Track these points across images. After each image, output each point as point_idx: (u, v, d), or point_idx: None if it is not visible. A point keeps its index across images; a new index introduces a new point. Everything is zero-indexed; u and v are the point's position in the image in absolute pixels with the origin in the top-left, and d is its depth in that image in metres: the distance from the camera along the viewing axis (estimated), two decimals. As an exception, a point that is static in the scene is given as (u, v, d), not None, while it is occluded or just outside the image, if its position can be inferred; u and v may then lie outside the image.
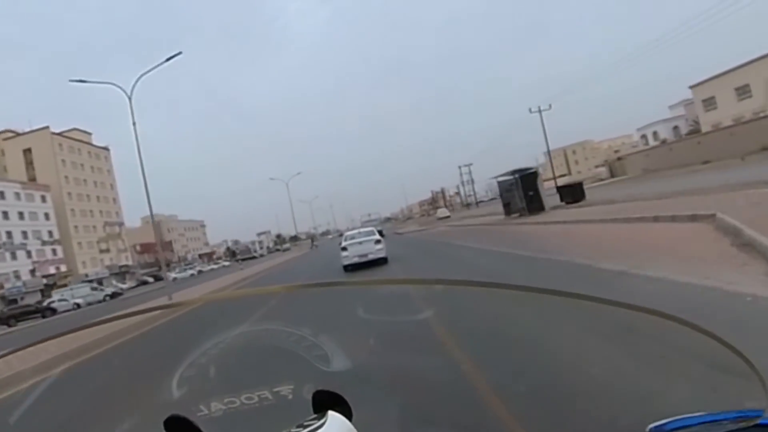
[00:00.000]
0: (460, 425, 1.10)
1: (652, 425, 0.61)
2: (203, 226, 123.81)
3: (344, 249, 14.67)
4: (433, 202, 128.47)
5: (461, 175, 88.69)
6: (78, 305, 36.78)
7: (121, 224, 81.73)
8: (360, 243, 14.60)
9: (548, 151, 46.49)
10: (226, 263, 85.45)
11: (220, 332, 0.89)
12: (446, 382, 1.33)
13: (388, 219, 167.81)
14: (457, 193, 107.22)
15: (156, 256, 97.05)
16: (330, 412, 0.56)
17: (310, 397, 0.63)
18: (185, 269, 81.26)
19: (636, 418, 0.68)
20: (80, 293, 41.17)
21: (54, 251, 63.43)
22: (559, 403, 1.30)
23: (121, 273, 77.08)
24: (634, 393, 0.90)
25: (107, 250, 75.23)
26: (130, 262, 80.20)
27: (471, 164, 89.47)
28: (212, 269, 76.56)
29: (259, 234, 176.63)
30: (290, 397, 0.75)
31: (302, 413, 0.59)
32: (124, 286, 65.15)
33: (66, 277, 63.72)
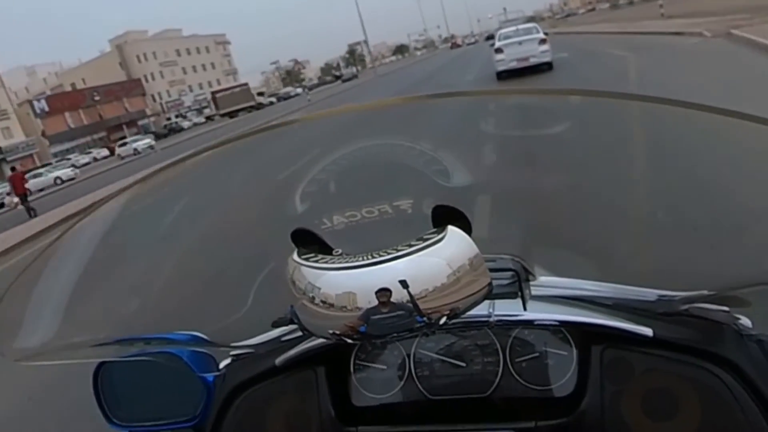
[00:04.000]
0: (583, 247, 1.09)
1: None
2: (222, 43, 79.82)
3: (499, 51, 12.95)
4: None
5: None
6: None
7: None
8: (519, 43, 12.60)
9: None
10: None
11: (337, 148, 0.87)
12: (571, 202, 1.28)
13: (531, 18, 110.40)
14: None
15: (101, 112, 63.53)
16: (449, 227, 0.56)
17: (429, 211, 0.62)
18: (177, 125, 46.93)
19: None
20: None
21: None
22: (701, 241, 1.12)
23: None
24: None
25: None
26: (20, 138, 48.22)
27: None
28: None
29: (351, 44, 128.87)
30: (410, 211, 0.74)
31: (422, 227, 0.59)
32: None
33: None
